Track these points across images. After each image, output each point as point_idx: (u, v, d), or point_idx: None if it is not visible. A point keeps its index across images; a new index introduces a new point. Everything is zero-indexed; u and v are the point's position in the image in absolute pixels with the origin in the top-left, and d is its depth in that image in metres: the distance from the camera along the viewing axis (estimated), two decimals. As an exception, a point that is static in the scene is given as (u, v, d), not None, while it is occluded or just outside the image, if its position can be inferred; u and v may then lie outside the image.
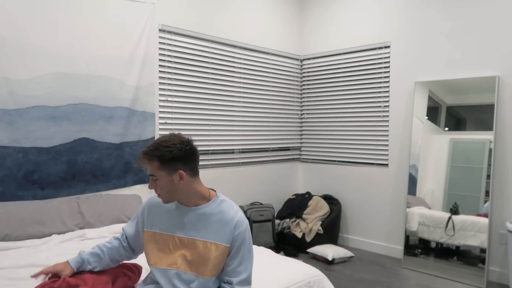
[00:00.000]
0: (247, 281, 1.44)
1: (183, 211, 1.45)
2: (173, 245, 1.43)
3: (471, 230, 3.21)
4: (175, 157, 1.35)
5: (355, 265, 3.58)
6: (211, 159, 3.70)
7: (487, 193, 3.18)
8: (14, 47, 2.49)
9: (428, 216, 3.46)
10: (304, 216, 4.04)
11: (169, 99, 3.36)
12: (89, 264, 1.52)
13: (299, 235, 3.91)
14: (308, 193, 4.38)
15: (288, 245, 3.96)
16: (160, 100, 3.29)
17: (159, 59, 3.27)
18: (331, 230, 4.03)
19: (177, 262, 1.42)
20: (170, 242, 1.44)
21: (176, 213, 1.46)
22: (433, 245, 3.42)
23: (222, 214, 1.44)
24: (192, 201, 1.44)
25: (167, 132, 3.33)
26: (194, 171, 1.42)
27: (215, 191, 1.52)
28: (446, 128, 3.48)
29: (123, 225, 2.63)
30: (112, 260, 1.57)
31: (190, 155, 1.39)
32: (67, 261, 1.49)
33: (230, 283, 1.42)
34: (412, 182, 3.61)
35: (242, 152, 4.01)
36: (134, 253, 1.62)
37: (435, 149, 3.51)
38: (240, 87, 3.94)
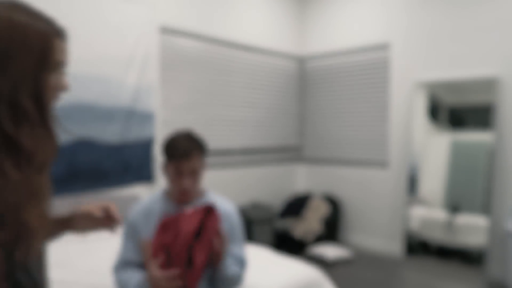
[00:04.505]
0: (244, 260, 1.51)
1: (181, 210, 1.47)
2: None
3: (471, 230, 3.21)
4: (207, 150, 1.50)
5: (355, 265, 3.58)
6: (211, 159, 3.70)
7: (487, 193, 3.17)
8: (14, 47, 2.49)
9: (428, 216, 3.46)
10: (304, 216, 4.04)
11: (169, 99, 3.36)
12: None
13: (299, 235, 3.91)
14: (308, 193, 4.38)
15: (288, 245, 3.95)
16: (160, 100, 3.29)
17: (159, 59, 3.27)
18: (331, 230, 4.03)
19: None
20: None
21: (172, 213, 1.47)
22: (433, 245, 3.42)
23: (218, 207, 1.49)
24: (195, 194, 1.49)
25: (167, 132, 3.33)
26: None
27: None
28: (446, 128, 3.48)
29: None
30: None
31: None
32: None
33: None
34: (412, 182, 3.61)
35: (242, 152, 4.01)
36: None
37: (435, 149, 3.51)
38: (240, 86, 3.94)
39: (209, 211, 1.34)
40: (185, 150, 1.39)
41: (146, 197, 1.59)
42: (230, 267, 1.42)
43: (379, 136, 3.97)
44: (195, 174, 1.42)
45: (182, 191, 1.43)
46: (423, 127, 3.60)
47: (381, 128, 3.95)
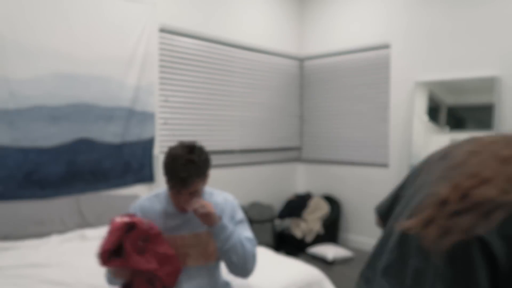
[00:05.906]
0: (253, 240, 1.50)
1: (182, 212, 1.47)
2: (176, 245, 1.45)
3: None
4: (210, 164, 1.44)
5: (355, 265, 3.58)
6: (211, 159, 3.70)
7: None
8: (14, 47, 2.49)
9: (428, 216, 3.45)
10: (304, 216, 4.04)
11: (169, 99, 3.36)
12: None
13: (299, 235, 3.91)
14: (308, 193, 4.38)
15: (288, 245, 3.96)
16: (160, 100, 3.29)
17: (159, 59, 3.27)
18: (331, 230, 4.03)
19: (184, 260, 1.44)
20: (174, 243, 1.44)
21: (174, 214, 1.47)
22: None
23: (216, 202, 1.52)
24: None
25: (167, 132, 3.33)
26: None
27: None
28: (447, 128, 3.48)
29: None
30: None
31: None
32: None
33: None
34: (412, 182, 3.60)
35: (242, 152, 4.01)
36: None
37: (435, 149, 3.50)
38: (240, 86, 3.94)
39: (131, 227, 1.31)
40: (183, 179, 1.31)
41: (148, 194, 1.58)
42: (234, 233, 1.40)
43: (379, 136, 3.97)
44: (194, 194, 1.39)
45: (181, 208, 1.43)
46: (423, 127, 3.60)
47: (381, 128, 3.95)
